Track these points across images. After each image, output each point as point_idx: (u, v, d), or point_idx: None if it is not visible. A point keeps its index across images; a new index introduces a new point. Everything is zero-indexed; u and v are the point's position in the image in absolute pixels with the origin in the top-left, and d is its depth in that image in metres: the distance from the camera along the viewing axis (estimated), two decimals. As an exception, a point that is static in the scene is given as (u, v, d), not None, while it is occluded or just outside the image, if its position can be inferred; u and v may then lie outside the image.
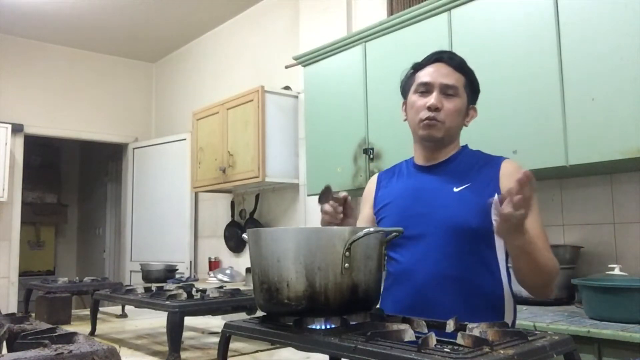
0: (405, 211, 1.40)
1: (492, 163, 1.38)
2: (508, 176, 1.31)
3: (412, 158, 1.51)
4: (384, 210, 1.46)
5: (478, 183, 1.34)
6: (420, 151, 1.46)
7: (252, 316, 1.25)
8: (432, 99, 1.36)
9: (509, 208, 1.06)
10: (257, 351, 1.51)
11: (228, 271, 4.00)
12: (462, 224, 1.31)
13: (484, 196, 1.28)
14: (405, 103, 1.48)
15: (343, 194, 1.33)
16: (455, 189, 1.35)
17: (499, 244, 1.33)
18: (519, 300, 2.11)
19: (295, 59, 3.31)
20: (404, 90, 1.49)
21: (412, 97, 1.42)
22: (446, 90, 1.37)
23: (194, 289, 1.76)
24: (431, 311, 1.12)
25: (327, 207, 1.32)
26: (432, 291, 1.30)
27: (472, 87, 1.43)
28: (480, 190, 1.32)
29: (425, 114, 1.37)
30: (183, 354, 1.41)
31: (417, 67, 1.45)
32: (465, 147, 1.47)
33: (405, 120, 1.48)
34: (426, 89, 1.39)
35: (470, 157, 1.42)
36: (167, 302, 1.44)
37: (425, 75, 1.40)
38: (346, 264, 0.93)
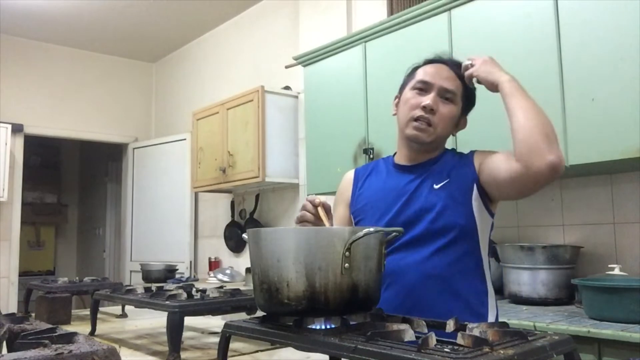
0: (386, 212, 1.37)
1: (465, 157, 1.38)
2: (480, 157, 1.34)
3: (391, 157, 1.49)
4: (363, 211, 1.43)
5: (457, 178, 1.33)
6: (404, 150, 1.44)
7: (252, 316, 1.25)
8: (428, 100, 1.34)
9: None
10: (257, 351, 1.51)
11: (228, 271, 4.00)
12: (445, 220, 1.30)
13: (464, 191, 1.31)
14: (398, 97, 1.46)
15: (317, 201, 1.28)
16: (435, 186, 1.34)
17: (483, 238, 1.34)
18: (518, 300, 2.14)
19: (295, 59, 3.31)
20: (402, 87, 1.46)
21: (408, 93, 1.39)
22: (444, 94, 1.35)
23: (194, 289, 1.76)
24: (420, 313, 1.10)
25: (308, 215, 1.28)
26: (421, 292, 1.29)
27: (468, 98, 1.41)
28: (459, 185, 1.32)
29: (418, 112, 1.35)
30: (183, 354, 1.41)
31: (418, 65, 1.43)
32: (447, 149, 1.46)
33: (394, 114, 1.45)
34: (424, 87, 1.36)
35: (450, 157, 1.41)
36: (167, 302, 1.44)
37: (425, 73, 1.38)
38: (346, 264, 0.92)
